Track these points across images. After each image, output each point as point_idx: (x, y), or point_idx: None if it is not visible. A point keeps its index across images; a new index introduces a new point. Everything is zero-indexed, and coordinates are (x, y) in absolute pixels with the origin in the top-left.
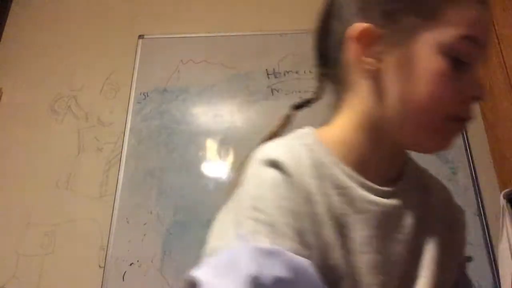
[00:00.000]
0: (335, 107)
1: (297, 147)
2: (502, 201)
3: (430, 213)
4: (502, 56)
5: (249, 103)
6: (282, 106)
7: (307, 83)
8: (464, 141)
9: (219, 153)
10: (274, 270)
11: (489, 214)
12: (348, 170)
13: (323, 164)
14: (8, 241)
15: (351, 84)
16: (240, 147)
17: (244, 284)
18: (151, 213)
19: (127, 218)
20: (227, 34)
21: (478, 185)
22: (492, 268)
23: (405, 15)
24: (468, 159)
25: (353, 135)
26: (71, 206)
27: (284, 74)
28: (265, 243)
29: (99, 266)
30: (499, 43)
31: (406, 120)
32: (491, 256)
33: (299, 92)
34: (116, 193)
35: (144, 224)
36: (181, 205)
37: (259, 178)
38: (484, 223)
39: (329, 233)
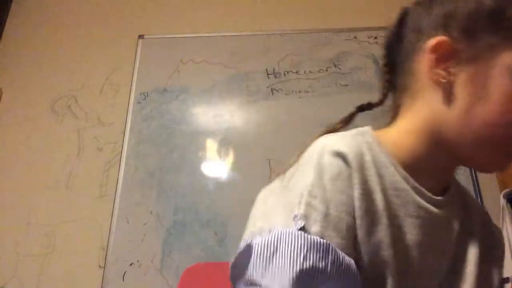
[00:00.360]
0: (395, 112)
1: (360, 142)
2: (502, 201)
3: (471, 227)
4: None
5: (249, 103)
6: (282, 106)
7: (307, 83)
8: None
9: (219, 153)
10: (321, 263)
11: (489, 214)
12: (404, 173)
13: (383, 163)
14: (8, 241)
15: (418, 92)
16: (240, 147)
17: (289, 272)
18: (151, 213)
19: (127, 218)
20: (227, 34)
21: (478, 185)
22: None
23: (485, 34)
24: None
25: (412, 139)
26: (71, 206)
27: (284, 74)
28: (316, 231)
29: (99, 266)
30: None
31: (470, 135)
32: None
33: (299, 92)
34: (116, 193)
35: (144, 224)
36: (181, 205)
37: (321, 166)
38: None
39: (385, 231)
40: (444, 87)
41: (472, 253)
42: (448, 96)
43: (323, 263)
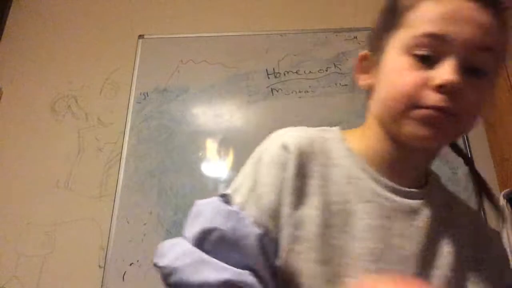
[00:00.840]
0: None
1: (315, 136)
2: (502, 201)
3: (450, 226)
4: None
5: (249, 103)
6: (282, 106)
7: (307, 83)
8: (464, 141)
9: (219, 153)
10: (222, 226)
11: (489, 214)
12: (363, 163)
13: (340, 155)
14: (8, 241)
15: (371, 91)
16: (240, 147)
17: (197, 234)
18: (151, 213)
19: (127, 218)
20: (227, 34)
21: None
22: None
23: (383, 36)
24: None
25: (370, 134)
26: (71, 206)
27: (284, 74)
28: (238, 202)
29: (99, 266)
30: None
31: (385, 116)
32: None
33: (299, 92)
34: (116, 193)
35: (144, 224)
36: (181, 205)
37: (262, 153)
38: None
39: (312, 211)
40: (372, 88)
41: (447, 258)
42: (374, 94)
43: (224, 226)
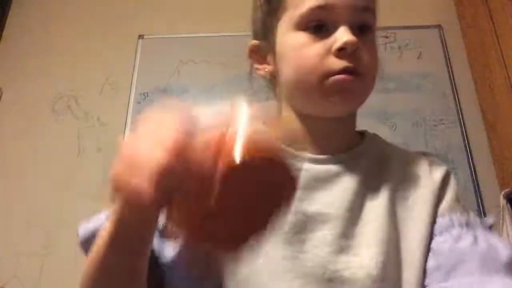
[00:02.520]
0: None
1: None
2: (502, 201)
3: (383, 178)
4: (502, 56)
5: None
6: None
7: None
8: (464, 141)
9: None
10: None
11: (489, 214)
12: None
13: None
14: (8, 241)
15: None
16: None
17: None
18: None
19: None
20: (227, 34)
21: (478, 185)
22: None
23: (268, 21)
24: (468, 159)
25: (285, 120)
26: (71, 206)
27: None
28: None
29: None
30: (499, 43)
31: (297, 93)
32: None
33: None
34: None
35: None
36: None
37: None
38: None
39: None
40: (272, 75)
41: (377, 210)
42: (278, 79)
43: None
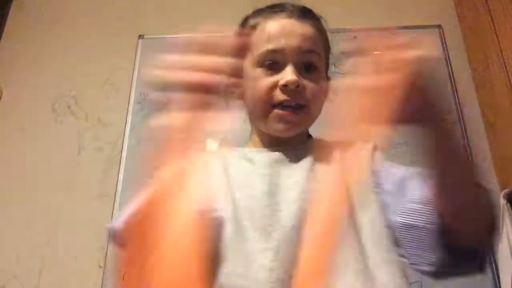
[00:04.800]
0: None
1: (215, 154)
2: (502, 201)
3: (329, 158)
4: (502, 56)
5: None
6: None
7: None
8: (464, 141)
9: None
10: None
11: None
12: (249, 150)
13: (231, 155)
14: (8, 241)
15: None
16: None
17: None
18: None
19: None
20: (227, 34)
21: None
22: (492, 268)
23: (240, 55)
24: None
25: (252, 133)
26: (71, 206)
27: None
28: None
29: (99, 266)
30: (499, 43)
31: (252, 115)
32: (491, 256)
33: None
34: (116, 193)
35: None
36: None
37: None
38: None
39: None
40: (241, 97)
41: (300, 177)
42: (244, 100)
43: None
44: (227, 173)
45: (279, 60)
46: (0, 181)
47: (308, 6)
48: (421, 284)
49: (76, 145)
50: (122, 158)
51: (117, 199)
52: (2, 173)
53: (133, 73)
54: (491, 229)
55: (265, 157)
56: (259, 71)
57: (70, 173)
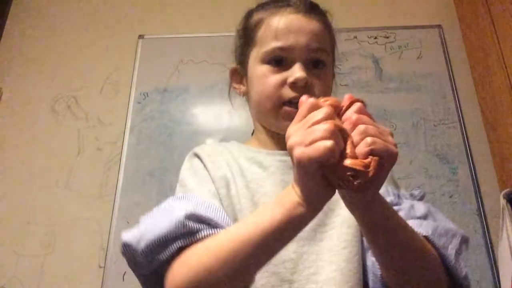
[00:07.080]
0: None
1: (216, 146)
2: (502, 201)
3: None
4: (502, 56)
5: None
6: None
7: None
8: (464, 141)
9: None
10: (182, 206)
11: (489, 214)
12: (253, 149)
13: (237, 151)
14: (8, 241)
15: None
16: None
17: (160, 212)
18: None
19: (127, 218)
20: (227, 34)
21: (478, 185)
22: (492, 268)
23: (243, 51)
24: (468, 159)
25: (257, 133)
26: (71, 206)
27: None
28: (180, 194)
29: (99, 266)
30: (499, 43)
31: (259, 113)
32: (491, 256)
33: None
34: (116, 193)
35: None
36: None
37: (184, 163)
38: (484, 223)
39: (239, 187)
40: (246, 94)
41: None
42: (249, 99)
43: (184, 205)
44: (243, 174)
45: (287, 57)
46: (0, 181)
47: None
48: None
49: (76, 145)
50: (122, 158)
51: (117, 199)
52: (2, 173)
53: (133, 73)
54: None
55: (277, 161)
56: (266, 68)
57: (70, 173)
